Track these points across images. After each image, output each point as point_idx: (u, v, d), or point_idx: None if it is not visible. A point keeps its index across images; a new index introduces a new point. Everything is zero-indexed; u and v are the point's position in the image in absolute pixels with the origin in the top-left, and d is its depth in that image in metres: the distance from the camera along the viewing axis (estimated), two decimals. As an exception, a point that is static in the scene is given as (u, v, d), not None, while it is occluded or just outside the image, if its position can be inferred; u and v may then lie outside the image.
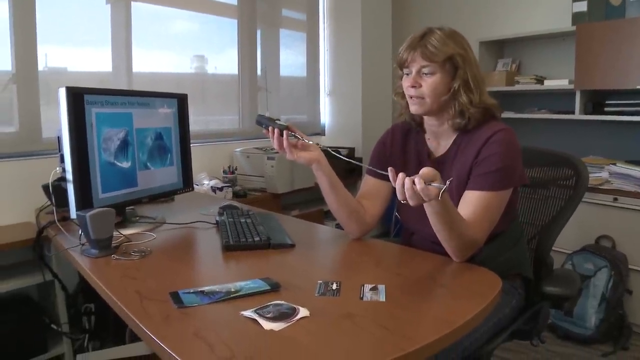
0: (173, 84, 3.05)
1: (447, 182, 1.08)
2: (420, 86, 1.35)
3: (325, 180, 1.44)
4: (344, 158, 1.45)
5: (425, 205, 1.16)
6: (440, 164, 1.43)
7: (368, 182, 1.55)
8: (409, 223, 1.52)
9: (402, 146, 1.54)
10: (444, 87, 1.34)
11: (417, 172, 1.44)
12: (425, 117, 1.45)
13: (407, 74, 1.38)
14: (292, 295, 1.05)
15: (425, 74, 1.34)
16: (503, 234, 1.40)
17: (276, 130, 1.42)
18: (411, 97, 1.38)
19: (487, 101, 1.37)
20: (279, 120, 1.45)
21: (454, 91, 1.34)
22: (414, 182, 1.08)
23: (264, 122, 1.47)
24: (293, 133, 1.42)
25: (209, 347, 0.84)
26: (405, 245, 1.54)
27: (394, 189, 1.13)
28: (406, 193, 1.08)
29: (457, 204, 1.31)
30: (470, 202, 1.29)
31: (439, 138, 1.46)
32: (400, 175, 1.10)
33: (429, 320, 0.98)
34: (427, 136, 1.50)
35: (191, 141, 2.01)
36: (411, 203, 1.09)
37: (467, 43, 1.38)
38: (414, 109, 1.39)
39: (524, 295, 1.44)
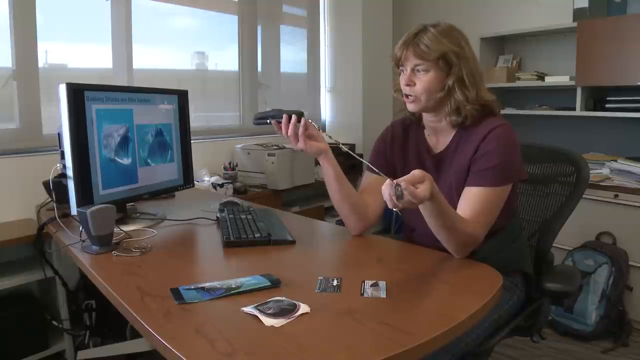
0: (173, 80, 3.04)
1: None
2: (415, 84, 1.35)
3: (331, 171, 1.45)
4: (353, 154, 1.45)
5: (419, 207, 1.16)
6: (439, 160, 1.43)
7: (369, 178, 1.54)
8: (410, 219, 1.52)
9: (402, 143, 1.54)
10: (438, 85, 1.34)
11: (421, 168, 1.44)
12: (424, 114, 1.45)
13: (403, 71, 1.38)
14: (293, 292, 1.05)
15: (419, 71, 1.34)
16: (503, 230, 1.40)
17: (293, 117, 1.41)
18: (407, 96, 1.38)
19: (485, 97, 1.37)
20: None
21: (449, 88, 1.34)
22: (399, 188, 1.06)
23: (272, 114, 1.45)
24: (299, 122, 1.41)
25: (209, 343, 0.84)
26: (406, 241, 1.54)
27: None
28: (391, 198, 1.07)
29: (457, 200, 1.32)
30: (469, 199, 1.29)
31: (438, 134, 1.46)
32: (388, 181, 1.08)
33: (429, 316, 0.98)
34: (426, 132, 1.50)
35: (192, 137, 2.01)
36: (400, 206, 1.08)
37: (465, 39, 1.37)
38: (410, 106, 1.40)
39: (525, 291, 1.44)
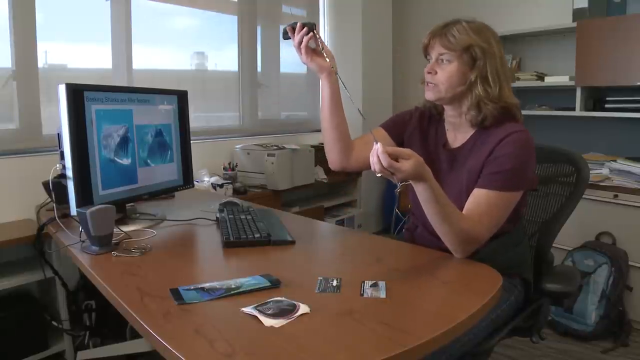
0: (173, 80, 3.04)
1: (400, 184, 1.15)
2: (436, 73, 1.36)
3: (328, 92, 1.46)
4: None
5: (416, 192, 1.19)
6: (454, 156, 1.43)
7: (376, 131, 1.56)
8: (415, 213, 1.51)
9: (424, 129, 1.54)
10: (459, 77, 1.34)
11: (433, 159, 1.45)
12: (445, 107, 1.45)
13: (429, 60, 1.40)
14: (293, 292, 1.05)
15: (443, 61, 1.35)
16: (506, 234, 1.38)
17: (305, 28, 1.41)
18: (428, 84, 1.39)
19: (508, 99, 1.35)
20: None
21: (471, 83, 1.33)
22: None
23: (291, 26, 1.44)
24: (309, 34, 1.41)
25: (209, 343, 0.84)
26: (408, 239, 1.54)
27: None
28: (372, 159, 1.11)
29: (466, 199, 1.31)
30: (475, 199, 1.28)
31: (457, 131, 1.45)
32: (376, 146, 1.11)
33: (429, 316, 0.98)
34: (446, 127, 1.50)
35: (191, 138, 2.01)
36: (376, 167, 1.11)
37: (496, 38, 1.37)
38: (427, 94, 1.40)
39: (523, 292, 1.44)
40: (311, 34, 1.41)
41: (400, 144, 1.54)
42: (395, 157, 1.10)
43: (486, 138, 1.35)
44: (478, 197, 1.28)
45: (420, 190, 1.18)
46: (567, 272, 1.57)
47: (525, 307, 1.44)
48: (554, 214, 1.58)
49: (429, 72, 1.38)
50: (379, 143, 1.10)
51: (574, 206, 1.55)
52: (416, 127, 1.54)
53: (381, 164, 1.10)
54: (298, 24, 1.42)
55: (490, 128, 1.36)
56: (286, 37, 1.47)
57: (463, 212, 1.27)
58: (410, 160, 1.11)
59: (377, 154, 1.10)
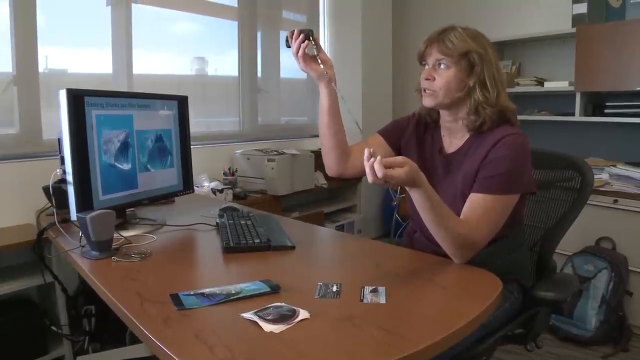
0: (173, 85, 3.05)
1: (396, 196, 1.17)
2: (434, 79, 1.36)
3: (327, 100, 1.47)
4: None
5: (412, 198, 1.19)
6: (449, 160, 1.43)
7: (374, 138, 1.58)
8: (414, 218, 1.51)
9: (420, 136, 1.54)
10: (457, 83, 1.34)
11: (428, 166, 1.45)
12: (441, 113, 1.45)
13: (426, 67, 1.40)
14: (292, 297, 1.05)
15: (441, 67, 1.35)
16: (503, 239, 1.38)
17: (302, 36, 1.41)
18: (425, 90, 1.39)
19: (505, 104, 1.36)
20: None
21: (469, 88, 1.34)
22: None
23: (291, 32, 1.44)
24: (307, 41, 1.42)
25: (209, 349, 0.84)
26: (407, 244, 1.54)
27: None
28: (367, 169, 1.11)
29: (462, 204, 1.31)
30: (472, 204, 1.28)
31: (453, 136, 1.46)
32: (372, 158, 1.11)
33: (429, 322, 0.98)
34: (442, 132, 1.50)
35: (191, 143, 2.01)
36: (369, 178, 1.12)
37: (490, 45, 1.38)
38: (426, 101, 1.40)
39: (521, 299, 1.42)
40: (307, 41, 1.41)
41: (397, 149, 1.55)
42: (389, 167, 1.11)
43: (482, 141, 1.35)
44: (474, 201, 1.28)
45: (416, 197, 1.18)
46: (561, 279, 1.56)
47: (522, 313, 1.43)
48: (558, 220, 1.57)
49: (426, 79, 1.37)
50: (378, 156, 1.10)
51: (579, 211, 1.53)
52: (413, 134, 1.54)
53: (375, 174, 1.10)
54: (295, 31, 1.43)
55: (485, 132, 1.36)
56: (288, 44, 1.48)
57: (460, 217, 1.27)
58: (404, 167, 1.11)
59: (372, 165, 1.09)
